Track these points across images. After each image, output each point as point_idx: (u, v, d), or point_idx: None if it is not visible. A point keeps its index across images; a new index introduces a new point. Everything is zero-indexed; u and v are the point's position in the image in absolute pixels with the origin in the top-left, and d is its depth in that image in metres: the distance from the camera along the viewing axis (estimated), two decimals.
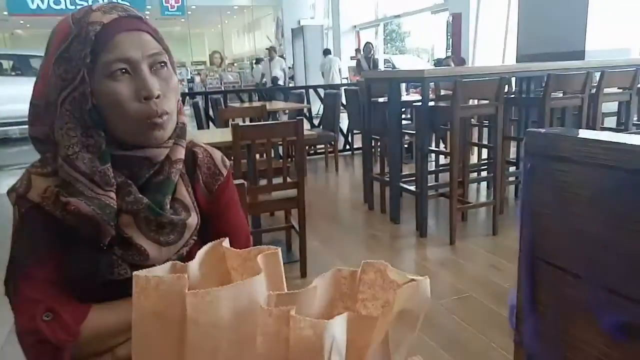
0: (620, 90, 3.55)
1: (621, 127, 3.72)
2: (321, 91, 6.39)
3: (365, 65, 7.70)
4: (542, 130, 1.54)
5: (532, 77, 3.96)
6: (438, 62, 9.06)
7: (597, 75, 3.45)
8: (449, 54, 8.63)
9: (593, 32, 5.46)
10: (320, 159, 5.77)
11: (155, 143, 0.77)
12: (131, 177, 0.77)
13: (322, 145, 5.62)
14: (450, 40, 8.69)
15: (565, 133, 1.57)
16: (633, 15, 5.76)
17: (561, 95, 3.38)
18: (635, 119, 4.19)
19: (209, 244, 0.48)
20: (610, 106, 3.86)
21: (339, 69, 10.31)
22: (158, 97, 0.74)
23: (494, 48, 8.24)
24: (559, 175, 1.38)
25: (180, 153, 0.83)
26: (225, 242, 0.48)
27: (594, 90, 3.40)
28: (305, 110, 5.92)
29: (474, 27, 8.33)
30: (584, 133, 1.54)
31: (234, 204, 0.94)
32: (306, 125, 5.84)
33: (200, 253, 0.46)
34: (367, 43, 8.36)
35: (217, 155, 0.92)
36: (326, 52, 10.41)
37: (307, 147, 5.52)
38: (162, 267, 0.44)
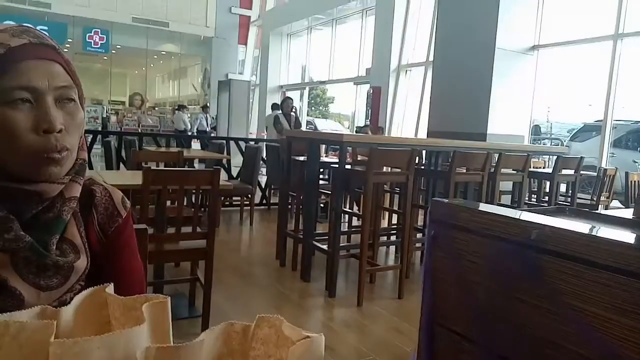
0: (515, 172, 3.94)
1: (515, 204, 4.08)
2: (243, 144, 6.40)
3: (285, 122, 7.10)
4: (446, 200, 1.63)
5: (440, 151, 4.27)
6: (358, 129, 9.53)
7: (496, 156, 3.81)
8: (368, 122, 9.13)
9: (494, 118, 6.09)
10: (235, 212, 5.66)
11: (49, 179, 0.71)
12: (15, 212, 0.69)
13: (239, 198, 5.54)
14: (370, 110, 9.23)
15: (466, 205, 1.67)
16: (526, 108, 6.53)
17: (465, 170, 3.67)
18: (527, 198, 4.64)
19: (90, 289, 0.43)
20: (507, 185, 4.25)
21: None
22: (60, 131, 0.70)
23: (408, 122, 8.86)
24: (459, 243, 1.46)
25: (76, 190, 0.77)
26: (110, 288, 0.43)
27: (493, 169, 3.73)
28: (224, 161, 5.86)
29: (392, 101, 8.95)
30: (482, 206, 1.65)
31: (131, 250, 0.88)
32: (224, 176, 5.77)
33: (78, 298, 0.41)
34: (287, 98, 7.63)
35: (117, 195, 0.87)
36: (274, 106, 10.37)
37: (222, 198, 5.41)
38: (29, 312, 0.38)
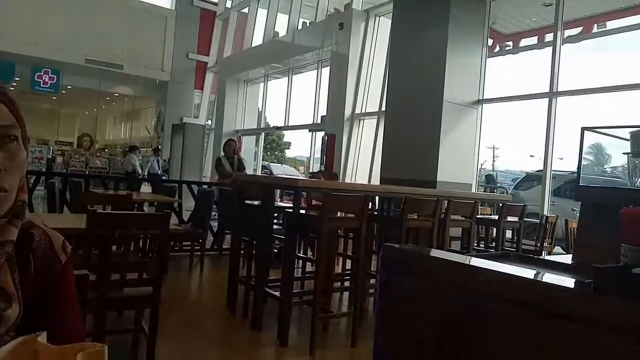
0: (463, 218, 4.07)
1: (464, 250, 4.19)
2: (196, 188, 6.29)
3: (227, 165, 6.62)
4: (397, 246, 1.65)
5: (393, 198, 4.36)
6: (311, 175, 9.61)
7: (446, 203, 3.93)
8: (322, 168, 9.25)
9: (443, 166, 6.33)
10: (185, 257, 5.47)
11: None
12: None
13: (189, 243, 5.38)
14: (325, 156, 9.37)
15: (416, 250, 1.70)
16: (473, 157, 6.85)
17: (416, 217, 3.75)
18: (476, 244, 4.78)
19: (20, 338, 0.40)
20: (456, 231, 4.37)
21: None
22: None
23: (362, 168, 9.05)
24: (409, 288, 1.47)
25: (12, 234, 0.73)
26: (42, 337, 0.41)
27: (443, 216, 3.83)
28: (175, 204, 5.72)
29: (346, 148, 9.15)
30: (432, 252, 1.68)
31: (68, 297, 0.83)
32: (175, 220, 5.61)
33: (6, 349, 0.38)
34: (229, 140, 7.18)
35: (58, 240, 0.82)
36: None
37: (172, 243, 5.23)
38: None
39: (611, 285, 1.07)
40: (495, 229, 4.47)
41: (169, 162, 13.35)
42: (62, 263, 0.81)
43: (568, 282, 1.27)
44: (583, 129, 2.07)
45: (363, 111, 9.28)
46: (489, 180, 11.72)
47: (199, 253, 5.14)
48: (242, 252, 4.17)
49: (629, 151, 2.05)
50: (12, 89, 0.75)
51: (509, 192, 9.30)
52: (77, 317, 0.85)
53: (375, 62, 9.33)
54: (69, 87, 16.16)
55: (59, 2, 13.36)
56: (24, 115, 0.76)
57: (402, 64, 7.16)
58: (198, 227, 5.12)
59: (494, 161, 22.11)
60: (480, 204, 4.70)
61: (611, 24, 7.39)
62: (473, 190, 6.64)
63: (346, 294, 4.33)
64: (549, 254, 5.25)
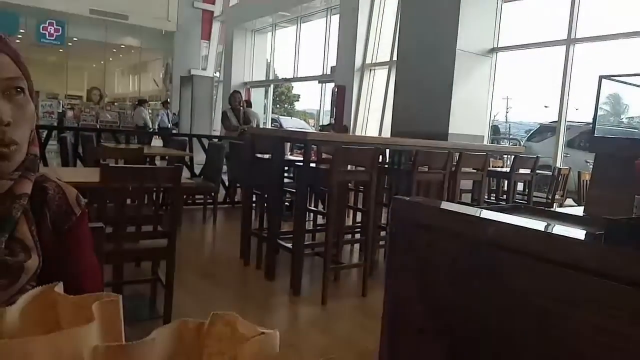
0: (475, 171, 4.04)
1: (475, 202, 4.19)
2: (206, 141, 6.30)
3: (234, 118, 6.56)
4: (407, 198, 1.65)
5: (403, 150, 4.34)
6: (321, 128, 9.55)
7: (457, 155, 3.90)
8: (332, 121, 9.17)
9: (455, 118, 6.23)
10: (198, 210, 5.56)
11: None
12: None
13: (202, 196, 5.46)
14: (335, 109, 9.27)
15: (427, 202, 1.70)
16: (486, 109, 6.72)
17: (427, 169, 3.74)
18: (486, 196, 4.78)
19: (38, 288, 0.41)
20: (467, 183, 4.36)
21: (257, 124, 10.13)
22: (8, 124, 0.67)
23: (372, 121, 8.96)
24: (419, 240, 1.48)
25: (27, 187, 0.73)
26: (59, 287, 0.42)
27: (454, 169, 3.82)
28: (186, 158, 5.75)
29: (356, 100, 9.02)
30: (442, 204, 1.68)
31: (85, 248, 0.85)
32: (187, 174, 5.66)
33: (25, 298, 0.40)
34: (234, 92, 7.00)
35: (72, 193, 0.83)
36: (248, 104, 10.10)
37: (185, 197, 5.31)
38: None
39: (623, 237, 1.06)
40: (506, 182, 4.45)
41: (178, 116, 13.32)
42: (76, 215, 0.82)
43: (579, 233, 1.27)
44: (601, 78, 2.00)
45: (374, 61, 9.07)
46: (495, 131, 11.54)
47: (212, 206, 5.22)
48: (254, 205, 4.23)
49: None
50: (17, 41, 0.74)
51: (522, 143, 9.19)
52: (94, 268, 0.87)
53: (386, 9, 9.01)
54: (74, 39, 15.95)
55: None
56: (32, 68, 0.75)
57: (414, 11, 6.91)
58: (210, 181, 5.16)
59: (507, 112, 21.71)
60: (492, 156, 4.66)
61: None
62: (485, 143, 6.56)
63: (357, 246, 4.40)
64: (560, 206, 5.24)
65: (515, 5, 7.73)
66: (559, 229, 1.36)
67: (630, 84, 2.04)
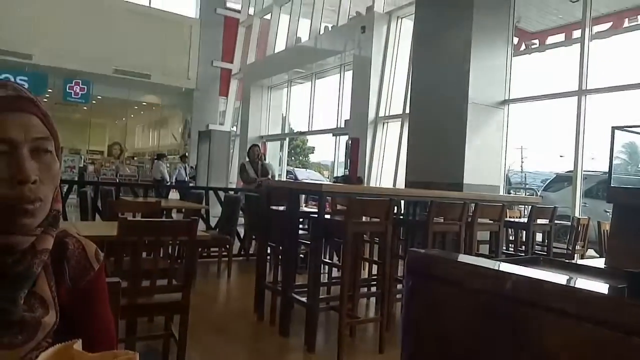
0: (491, 222, 3.99)
1: (492, 254, 4.11)
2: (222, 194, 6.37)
3: (252, 171, 6.68)
4: (423, 251, 1.63)
5: (418, 202, 4.33)
6: (335, 180, 9.61)
7: (473, 206, 3.87)
8: (346, 172, 9.24)
9: (469, 168, 6.24)
10: (213, 263, 5.54)
11: (21, 231, 0.70)
12: None
13: (217, 249, 5.45)
14: (349, 160, 9.36)
15: (443, 255, 1.68)
16: (500, 159, 6.72)
17: (442, 220, 3.71)
18: (504, 247, 4.69)
19: (57, 346, 0.42)
20: (484, 234, 4.29)
21: (272, 175, 10.25)
22: (34, 182, 0.69)
23: (386, 172, 9.00)
24: (436, 294, 1.45)
25: (48, 243, 0.75)
26: (78, 345, 0.42)
27: (470, 219, 3.78)
28: (202, 211, 5.81)
29: (370, 152, 9.12)
30: (459, 257, 1.66)
31: (102, 304, 0.85)
32: (202, 226, 5.69)
33: (45, 355, 0.40)
34: (253, 146, 7.24)
35: (91, 248, 0.85)
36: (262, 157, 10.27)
37: (200, 250, 5.31)
38: None
39: None
40: (524, 232, 4.37)
41: (195, 169, 13.56)
42: (95, 270, 0.83)
43: (601, 287, 1.23)
44: (613, 129, 2.02)
45: (387, 114, 9.24)
46: (508, 181, 11.41)
47: (226, 259, 5.20)
48: (268, 257, 4.21)
49: None
50: (45, 100, 0.78)
51: (539, 193, 9.09)
52: (109, 323, 0.87)
53: (398, 64, 9.29)
54: (98, 97, 16.63)
55: (87, 14, 13.79)
56: (56, 125, 0.79)
57: (426, 66, 7.10)
58: (225, 233, 5.18)
59: (522, 162, 21.63)
60: (508, 207, 4.61)
61: None
62: (501, 193, 6.52)
63: (373, 300, 4.30)
64: (582, 257, 5.11)
65: (526, 58, 7.92)
66: (579, 282, 1.32)
67: None
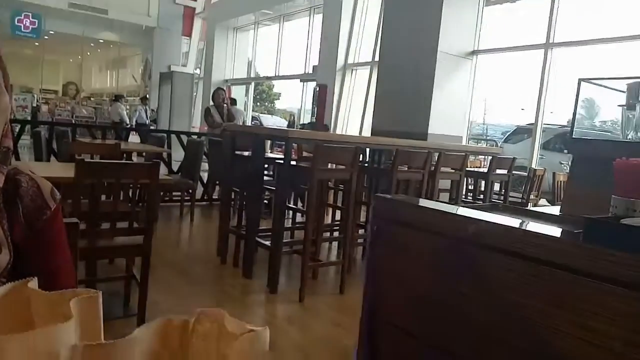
0: (453, 171, 4.08)
1: (452, 202, 4.23)
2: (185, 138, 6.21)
3: (217, 115, 6.48)
4: (388, 196, 1.65)
5: (383, 150, 4.35)
6: (301, 126, 9.53)
7: (436, 155, 3.93)
8: (313, 120, 9.16)
9: (435, 118, 6.29)
10: (175, 207, 5.48)
11: None
12: None
13: (179, 193, 5.38)
14: (316, 107, 9.26)
15: (407, 200, 1.70)
16: (465, 109, 6.80)
17: (406, 169, 3.76)
18: (464, 196, 4.83)
19: (10, 284, 0.39)
20: (446, 183, 4.39)
21: (244, 122, 10.00)
22: None
23: (353, 120, 8.97)
24: (400, 238, 1.48)
25: None
26: (33, 283, 0.39)
27: (433, 168, 3.84)
28: (164, 155, 5.67)
29: (337, 99, 9.02)
30: (422, 202, 1.68)
31: (59, 244, 0.82)
32: (164, 170, 5.58)
33: None
34: (218, 89, 6.92)
35: (47, 186, 0.80)
36: (233, 101, 9.95)
37: (162, 194, 5.22)
38: None
39: (600, 235, 1.08)
40: (483, 182, 4.51)
41: (157, 112, 13.11)
42: (51, 210, 0.79)
43: (559, 232, 1.29)
44: (580, 80, 2.04)
45: (356, 61, 9.09)
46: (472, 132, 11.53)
47: (189, 203, 5.15)
48: (232, 202, 4.19)
49: (624, 103, 2.05)
50: None
51: (499, 145, 9.34)
52: (68, 263, 0.84)
53: (369, 9, 9.04)
54: (51, 32, 15.55)
55: None
56: (5, 61, 0.72)
57: (397, 12, 6.95)
58: (188, 178, 5.09)
59: (484, 114, 22.01)
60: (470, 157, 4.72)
61: None
62: (464, 143, 6.64)
63: (335, 244, 4.40)
64: (535, 206, 5.34)
65: (497, 9, 7.84)
66: (539, 227, 1.38)
67: (607, 87, 2.08)
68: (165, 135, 6.02)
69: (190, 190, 5.08)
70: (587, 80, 1.99)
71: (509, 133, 10.01)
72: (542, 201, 5.87)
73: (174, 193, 5.58)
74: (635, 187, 1.24)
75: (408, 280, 1.40)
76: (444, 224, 1.35)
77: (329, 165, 3.58)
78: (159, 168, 2.39)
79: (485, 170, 4.48)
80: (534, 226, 1.33)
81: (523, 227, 1.26)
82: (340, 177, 3.66)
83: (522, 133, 8.68)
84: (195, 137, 6.33)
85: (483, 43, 6.83)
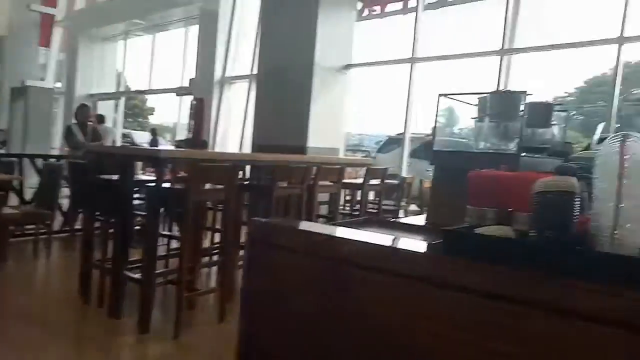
0: (331, 184, 4.12)
1: (330, 214, 4.28)
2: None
3: (80, 135, 5.80)
4: (264, 220, 1.56)
5: (264, 166, 4.24)
6: (178, 143, 9.09)
7: (315, 169, 3.93)
8: (190, 135, 8.79)
9: (313, 131, 6.39)
10: (29, 242, 4.78)
11: None
12: None
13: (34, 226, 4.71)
14: (193, 122, 8.89)
15: (283, 223, 1.64)
16: (341, 121, 7.01)
17: (286, 184, 3.70)
18: (342, 207, 4.94)
19: None
20: (325, 195, 4.43)
21: (113, 141, 9.07)
22: None
23: (233, 135, 8.78)
24: (277, 262, 1.42)
25: None
26: None
27: (312, 182, 3.83)
28: (15, 182, 4.95)
29: (216, 114, 8.77)
30: (297, 224, 1.64)
31: None
32: (15, 200, 4.87)
33: None
34: (82, 105, 6.26)
35: None
36: (100, 119, 8.94)
37: (11, 228, 4.52)
38: None
39: (457, 245, 1.10)
40: (360, 192, 4.63)
41: (7, 133, 11.54)
42: None
43: (420, 245, 1.29)
44: (439, 95, 2.16)
45: (234, 74, 8.93)
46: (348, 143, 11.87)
47: (46, 236, 4.53)
48: (101, 233, 3.75)
49: (476, 116, 2.20)
50: None
51: (373, 155, 9.78)
52: None
53: (246, 21, 8.96)
54: None
55: None
56: None
57: (274, 26, 6.97)
58: (43, 207, 4.49)
59: (359, 125, 23.15)
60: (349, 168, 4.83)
61: None
62: (341, 155, 6.83)
63: (216, 269, 4.16)
64: (406, 211, 5.65)
65: (368, 24, 8.25)
66: (400, 242, 1.39)
67: (463, 101, 2.23)
68: (16, 159, 5.28)
69: (47, 222, 4.48)
70: (446, 95, 2.11)
71: (382, 143, 10.56)
72: (413, 206, 6.23)
73: (27, 226, 4.87)
74: (487, 197, 1.29)
75: (284, 304, 1.35)
76: (319, 246, 1.33)
77: (208, 185, 3.38)
78: (5, 200, 2.01)
79: (361, 181, 4.61)
80: (399, 242, 1.35)
81: (389, 244, 1.28)
82: (217, 198, 3.48)
83: (393, 143, 9.18)
84: (54, 160, 5.64)
85: (358, 56, 7.12)
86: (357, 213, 4.47)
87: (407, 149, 6.77)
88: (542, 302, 0.90)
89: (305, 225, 1.65)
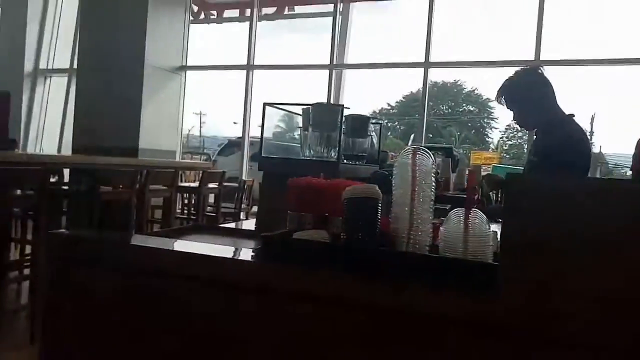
0: (165, 187, 3.97)
1: (165, 218, 4.12)
2: None
3: None
4: (65, 233, 1.43)
5: (87, 170, 3.88)
6: None
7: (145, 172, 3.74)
8: None
9: (146, 133, 6.04)
10: None
11: None
12: None
13: None
14: None
15: (87, 236, 1.51)
16: (178, 124, 6.76)
17: (111, 189, 3.45)
18: (179, 210, 4.79)
19: None
20: (160, 200, 4.24)
21: None
22: None
23: (51, 135, 7.81)
24: (82, 278, 1.30)
25: None
26: None
27: (142, 186, 3.64)
28: None
29: (27, 110, 7.71)
30: (105, 236, 1.52)
31: None
32: None
33: None
34: None
35: None
36: None
37: None
38: None
39: (278, 250, 1.17)
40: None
41: None
42: None
43: (244, 253, 1.34)
44: (264, 105, 2.24)
45: (50, 67, 7.94)
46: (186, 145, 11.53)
47: None
48: None
49: (301, 125, 2.34)
50: None
51: (213, 157, 9.67)
52: None
53: (64, 9, 8.03)
54: None
55: None
56: None
57: (96, 20, 6.40)
58: None
59: (201, 127, 22.66)
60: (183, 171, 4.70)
61: (299, 9, 8.42)
62: (177, 158, 6.60)
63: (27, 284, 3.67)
64: (247, 214, 5.72)
65: (205, 27, 8.11)
66: (227, 251, 1.41)
67: (287, 111, 2.34)
68: None
69: None
70: (271, 104, 2.20)
71: (223, 146, 10.51)
72: (254, 208, 6.32)
73: None
74: (305, 203, 1.39)
75: (90, 322, 1.23)
76: (129, 258, 1.24)
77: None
78: None
79: (197, 184, 4.54)
80: (222, 250, 1.36)
81: (208, 253, 1.26)
82: (25, 206, 3.08)
83: (233, 146, 9.21)
84: None
85: (194, 59, 6.94)
86: (194, 217, 4.38)
87: (247, 152, 6.85)
88: (350, 299, 0.99)
89: (112, 236, 1.53)
